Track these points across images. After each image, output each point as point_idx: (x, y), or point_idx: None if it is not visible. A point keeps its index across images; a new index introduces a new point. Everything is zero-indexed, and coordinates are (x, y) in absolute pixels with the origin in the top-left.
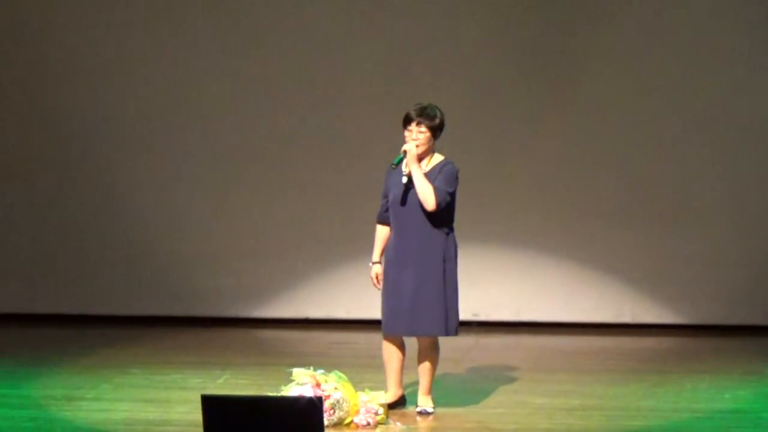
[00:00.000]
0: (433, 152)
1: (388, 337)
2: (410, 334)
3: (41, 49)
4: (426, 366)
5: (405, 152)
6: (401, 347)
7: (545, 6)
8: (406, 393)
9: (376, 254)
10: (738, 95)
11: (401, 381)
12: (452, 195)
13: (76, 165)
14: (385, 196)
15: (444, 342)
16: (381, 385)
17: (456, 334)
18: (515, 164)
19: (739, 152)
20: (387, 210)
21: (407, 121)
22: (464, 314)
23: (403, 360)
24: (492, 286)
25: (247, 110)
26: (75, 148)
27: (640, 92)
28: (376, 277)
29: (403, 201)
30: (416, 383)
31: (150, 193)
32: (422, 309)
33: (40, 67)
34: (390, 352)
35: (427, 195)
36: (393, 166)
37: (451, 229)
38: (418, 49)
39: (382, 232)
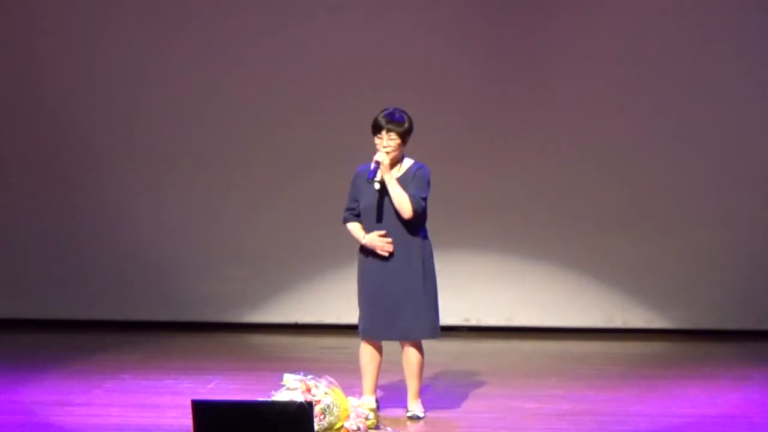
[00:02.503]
0: (403, 157)
1: (369, 341)
2: (402, 338)
3: (36, 53)
4: (414, 370)
5: (378, 163)
6: (380, 350)
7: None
8: (383, 395)
9: (362, 233)
10: (728, 102)
11: (376, 386)
12: (426, 200)
13: (67, 170)
14: (355, 200)
15: (435, 346)
16: None
17: (439, 336)
18: (506, 170)
19: (730, 159)
20: (358, 214)
21: (377, 129)
22: (455, 319)
23: (380, 364)
24: (483, 291)
25: (238, 118)
26: (66, 154)
27: (631, 98)
28: (379, 238)
29: (378, 207)
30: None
31: (141, 199)
32: (412, 313)
33: (37, 73)
34: (369, 356)
35: (403, 204)
36: (369, 181)
37: (426, 231)
38: (406, 55)
39: (356, 225)
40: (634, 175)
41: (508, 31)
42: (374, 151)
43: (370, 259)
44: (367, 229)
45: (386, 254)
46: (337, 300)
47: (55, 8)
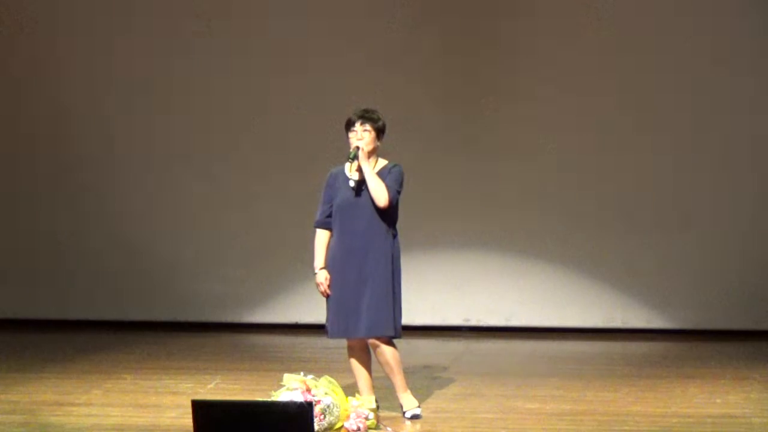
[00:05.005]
0: (378, 156)
1: (353, 343)
2: (365, 335)
3: (34, 53)
4: (392, 366)
5: (357, 148)
6: (367, 350)
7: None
8: (382, 396)
9: (321, 260)
10: (728, 103)
11: (372, 384)
12: (399, 194)
13: (67, 171)
14: (328, 201)
15: (435, 347)
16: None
17: (400, 336)
18: (506, 170)
19: (730, 160)
20: (329, 216)
21: (350, 124)
22: (455, 319)
23: (370, 363)
24: (483, 291)
25: (235, 118)
26: (67, 154)
27: (633, 97)
28: (326, 282)
29: (352, 205)
30: (390, 386)
31: (141, 200)
32: (375, 310)
33: (38, 73)
34: (356, 356)
35: (379, 192)
36: (350, 160)
37: (396, 231)
38: (408, 54)
39: (323, 238)
40: (634, 175)
41: (506, 20)
42: None
43: (338, 258)
44: (341, 226)
45: (322, 295)
46: None
47: (59, 8)
